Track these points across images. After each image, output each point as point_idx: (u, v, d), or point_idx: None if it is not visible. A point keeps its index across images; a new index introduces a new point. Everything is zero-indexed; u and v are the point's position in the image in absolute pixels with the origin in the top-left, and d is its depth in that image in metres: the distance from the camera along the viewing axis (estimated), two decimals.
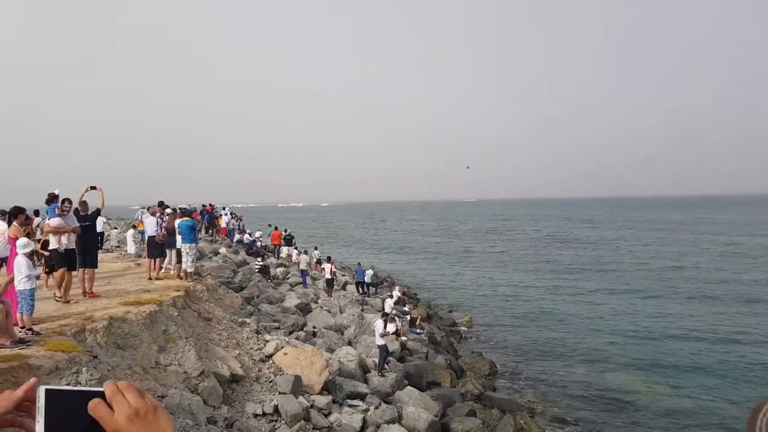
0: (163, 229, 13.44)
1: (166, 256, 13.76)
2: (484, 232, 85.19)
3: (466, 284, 35.00)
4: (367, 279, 26.92)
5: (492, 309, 27.09)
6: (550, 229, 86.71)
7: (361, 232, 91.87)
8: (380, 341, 14.17)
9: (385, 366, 13.91)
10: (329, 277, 23.25)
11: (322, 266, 25.85)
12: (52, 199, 9.99)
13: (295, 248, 31.68)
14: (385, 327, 14.41)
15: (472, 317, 24.52)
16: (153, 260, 13.28)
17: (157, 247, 13.35)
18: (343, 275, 29.39)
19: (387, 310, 20.65)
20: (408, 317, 20.50)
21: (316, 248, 32.32)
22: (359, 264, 28.41)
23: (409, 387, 12.99)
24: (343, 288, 25.89)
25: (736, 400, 14.74)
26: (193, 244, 13.29)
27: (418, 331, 19.67)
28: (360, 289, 25.37)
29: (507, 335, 22.06)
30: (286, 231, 33.14)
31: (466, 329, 23.01)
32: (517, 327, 23.35)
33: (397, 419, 11.02)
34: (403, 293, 25.23)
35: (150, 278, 12.83)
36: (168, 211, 15.07)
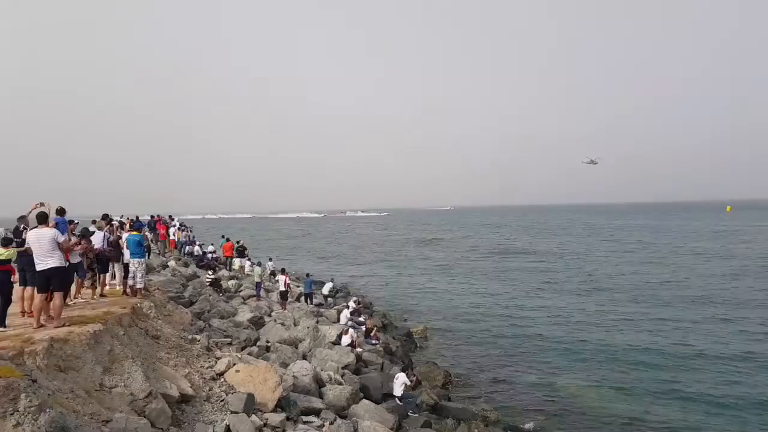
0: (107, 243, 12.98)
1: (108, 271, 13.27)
2: (445, 240, 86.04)
3: (421, 293, 35.23)
4: (325, 291, 26.75)
5: (447, 317, 27.33)
6: (508, 237, 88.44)
7: (316, 243, 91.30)
8: (397, 392, 13.93)
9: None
10: (283, 289, 22.93)
11: (276, 278, 25.47)
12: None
13: (248, 260, 31.17)
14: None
15: (426, 326, 24.63)
16: (99, 276, 12.77)
17: (103, 263, 12.86)
18: (298, 287, 29.03)
19: (343, 321, 20.54)
20: (363, 328, 20.42)
21: (270, 260, 31.89)
22: (307, 275, 28.13)
23: (364, 400, 12.90)
24: (298, 300, 25.56)
25: (688, 402, 15.28)
26: (142, 260, 12.86)
27: (373, 341, 19.59)
28: (307, 300, 25.12)
29: (461, 344, 22.29)
30: (238, 242, 32.59)
31: (421, 338, 23.10)
32: (472, 335, 23.61)
33: None
34: (359, 303, 25.15)
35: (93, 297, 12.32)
36: (114, 223, 14.58)
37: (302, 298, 25.64)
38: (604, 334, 23.23)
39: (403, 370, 14.78)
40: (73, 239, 11.09)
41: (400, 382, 13.98)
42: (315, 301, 26.21)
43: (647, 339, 22.08)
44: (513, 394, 16.39)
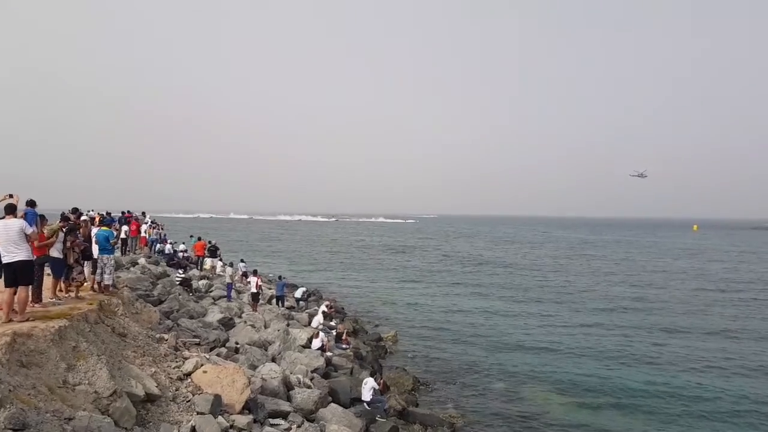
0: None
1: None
2: (415, 247, 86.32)
3: (392, 299, 35.26)
4: (297, 295, 26.65)
5: (417, 324, 27.45)
6: (482, 247, 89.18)
7: (292, 245, 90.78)
8: (366, 397, 13.90)
9: None
10: (255, 290, 22.75)
11: (248, 279, 25.25)
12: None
13: (220, 260, 30.85)
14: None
15: (397, 332, 24.68)
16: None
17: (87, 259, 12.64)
18: (270, 288, 28.84)
19: (314, 324, 20.47)
20: (334, 332, 20.38)
21: (242, 261, 31.61)
22: (280, 277, 27.94)
23: (333, 404, 12.86)
24: (270, 302, 25.39)
25: (650, 410, 15.65)
26: (111, 255, 12.66)
27: (343, 346, 19.58)
28: (279, 303, 25.00)
29: (430, 350, 22.40)
30: (210, 242, 32.25)
31: (391, 344, 23.13)
32: (441, 342, 23.77)
33: None
34: (331, 307, 25.10)
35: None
36: (84, 218, 14.32)
37: (274, 301, 25.50)
38: (573, 342, 23.72)
39: (371, 375, 14.78)
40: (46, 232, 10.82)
41: (368, 387, 13.99)
42: (286, 304, 26.09)
43: (615, 348, 22.60)
44: (480, 400, 16.54)
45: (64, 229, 11.45)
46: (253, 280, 22.99)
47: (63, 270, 11.51)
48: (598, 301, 34.48)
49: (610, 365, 20.26)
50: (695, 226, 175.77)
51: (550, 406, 15.97)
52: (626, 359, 21.03)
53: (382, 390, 14.74)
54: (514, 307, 33.07)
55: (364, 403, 13.90)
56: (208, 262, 29.48)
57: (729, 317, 29.58)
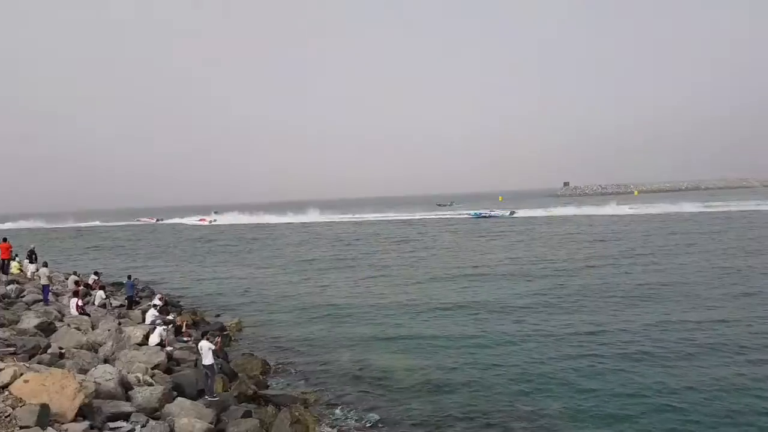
0: None
1: None
2: (254, 234, 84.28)
3: (232, 288, 34.21)
4: (128, 292, 24.66)
5: (260, 310, 27.03)
6: (327, 229, 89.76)
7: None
8: (208, 360, 13.33)
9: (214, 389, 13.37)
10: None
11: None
12: None
13: (31, 262, 27.40)
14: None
15: (241, 319, 24.09)
16: None
17: None
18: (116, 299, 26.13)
19: (149, 320, 19.19)
20: (172, 326, 19.27)
21: (45, 264, 28.31)
22: (129, 277, 25.53)
23: (179, 398, 12.25)
24: (121, 306, 23.41)
25: (499, 371, 16.33)
26: None
27: (184, 339, 18.63)
28: (131, 305, 23.17)
29: (277, 333, 22.30)
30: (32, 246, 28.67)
31: (235, 332, 22.53)
32: (287, 324, 23.73)
33: None
34: (165, 301, 23.67)
35: None
36: None
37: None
38: (408, 302, 25.80)
39: (203, 338, 14.19)
40: None
41: (206, 349, 13.51)
42: (115, 303, 24.06)
43: (450, 305, 24.83)
44: (330, 373, 16.93)
45: None
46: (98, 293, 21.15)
47: None
48: (425, 265, 36.99)
49: (452, 323, 22.01)
50: (500, 197, 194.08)
51: (395, 369, 16.84)
52: (467, 315, 23.03)
53: (219, 349, 14.40)
54: (354, 279, 34.44)
55: (206, 369, 13.48)
56: (14, 265, 25.96)
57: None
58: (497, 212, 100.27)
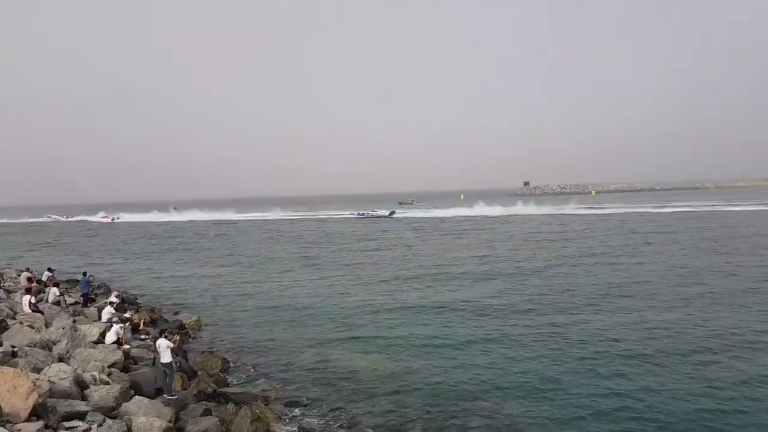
0: None
1: None
2: (216, 231, 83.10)
3: (190, 285, 33.73)
4: (84, 289, 24.10)
5: (219, 307, 26.76)
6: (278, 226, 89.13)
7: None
8: (166, 359, 13.18)
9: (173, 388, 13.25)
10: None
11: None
12: None
13: None
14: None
15: (200, 317, 23.79)
16: None
17: None
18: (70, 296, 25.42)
19: (105, 318, 18.84)
20: (129, 324, 18.94)
21: (49, 269, 27.47)
22: (84, 273, 24.85)
23: (137, 396, 12.10)
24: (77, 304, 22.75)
25: (462, 371, 16.45)
26: None
27: (142, 336, 18.35)
28: (86, 303, 22.63)
29: (237, 330, 22.13)
30: None
31: (194, 330, 22.25)
32: (247, 322, 23.57)
33: None
34: (122, 299, 23.23)
35: None
36: None
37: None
38: (373, 303, 25.81)
39: (161, 335, 14.03)
40: None
41: (164, 347, 13.37)
42: (69, 300, 23.49)
43: (414, 302, 25.16)
44: (291, 370, 16.96)
45: None
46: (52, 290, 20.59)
47: None
48: (399, 267, 37.29)
49: (415, 322, 22.23)
50: (462, 196, 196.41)
51: (358, 367, 16.93)
52: (431, 315, 23.27)
53: (177, 347, 14.27)
54: (311, 278, 34.39)
55: (164, 368, 13.38)
56: None
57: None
58: (378, 212, 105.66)
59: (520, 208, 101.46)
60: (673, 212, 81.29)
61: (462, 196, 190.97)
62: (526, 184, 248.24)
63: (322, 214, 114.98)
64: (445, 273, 34.05)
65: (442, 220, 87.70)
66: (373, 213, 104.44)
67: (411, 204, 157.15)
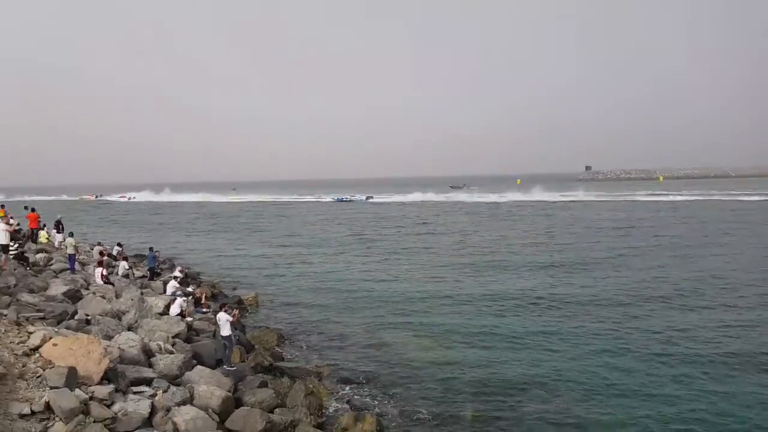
0: None
1: None
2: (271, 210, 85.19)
3: (249, 262, 34.89)
4: (150, 264, 25.37)
5: (277, 284, 27.58)
6: (343, 209, 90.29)
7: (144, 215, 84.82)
8: (226, 332, 13.80)
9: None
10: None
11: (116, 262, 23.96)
12: None
13: (58, 232, 28.26)
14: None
15: (257, 294, 24.60)
16: None
17: None
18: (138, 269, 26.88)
19: (169, 291, 19.75)
20: (192, 297, 19.83)
21: (71, 235, 29.18)
22: (151, 249, 26.25)
23: (198, 366, 12.72)
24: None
25: (513, 360, 16.21)
26: None
27: (203, 310, 19.21)
28: (153, 276, 23.92)
29: (292, 307, 22.80)
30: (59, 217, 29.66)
31: (252, 305, 23.05)
32: (302, 299, 24.24)
33: (189, 400, 10.74)
34: (185, 273, 24.28)
35: None
36: None
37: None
38: (428, 288, 25.65)
39: (221, 309, 14.59)
40: None
41: (224, 321, 13.94)
42: (137, 273, 24.76)
43: (470, 291, 24.82)
44: (344, 349, 17.34)
45: None
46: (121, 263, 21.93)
47: None
48: (454, 253, 37.18)
49: (468, 308, 22.05)
50: (519, 180, 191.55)
51: (409, 348, 17.16)
52: (486, 304, 22.80)
53: (236, 321, 14.84)
54: (369, 259, 34.75)
55: (224, 340, 13.95)
56: (43, 234, 26.81)
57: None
58: (357, 197, 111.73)
59: (581, 194, 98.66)
60: (752, 201, 76.35)
61: (518, 181, 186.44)
62: (588, 168, 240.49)
63: (309, 198, 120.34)
64: (501, 261, 33.20)
65: (497, 205, 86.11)
66: (352, 198, 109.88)
67: (461, 188, 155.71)
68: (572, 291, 24.49)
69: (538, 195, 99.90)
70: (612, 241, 40.37)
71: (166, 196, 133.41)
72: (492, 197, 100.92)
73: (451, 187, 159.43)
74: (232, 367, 13.71)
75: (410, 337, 18.52)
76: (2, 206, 29.41)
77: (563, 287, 25.33)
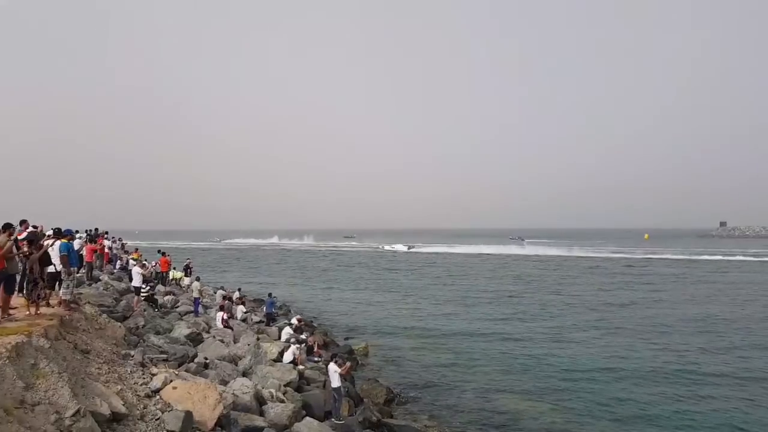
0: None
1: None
2: (378, 261, 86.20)
3: (362, 312, 34.98)
4: (267, 309, 26.28)
5: (389, 336, 27.22)
6: (446, 259, 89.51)
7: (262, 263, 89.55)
8: (336, 383, 13.78)
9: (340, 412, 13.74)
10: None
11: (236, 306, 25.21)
12: None
13: (187, 276, 30.24)
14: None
15: (368, 344, 24.38)
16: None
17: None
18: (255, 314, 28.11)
19: (284, 338, 20.04)
20: (305, 345, 19.98)
21: (198, 279, 31.00)
22: (269, 295, 27.45)
23: (307, 418, 12.52)
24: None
25: (626, 419, 15.31)
26: (73, 269, 12.09)
27: (315, 358, 19.21)
28: (270, 322, 24.83)
29: (403, 361, 22.19)
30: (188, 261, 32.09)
31: (362, 356, 22.82)
32: (413, 353, 23.56)
33: None
34: (300, 321, 24.68)
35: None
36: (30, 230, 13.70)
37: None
38: (546, 351, 23.74)
39: (332, 360, 14.43)
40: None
41: (332, 372, 13.78)
42: (255, 319, 25.61)
43: (588, 355, 22.74)
44: (455, 410, 16.39)
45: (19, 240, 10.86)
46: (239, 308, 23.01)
47: (15, 285, 10.83)
48: (572, 309, 34.88)
49: (585, 374, 20.18)
50: (646, 236, 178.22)
51: (526, 414, 15.86)
52: (603, 367, 20.86)
53: (346, 373, 14.52)
54: (483, 316, 33.17)
55: (334, 392, 13.73)
56: (186, 281, 28.92)
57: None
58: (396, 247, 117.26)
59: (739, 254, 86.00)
60: None
61: (646, 236, 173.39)
62: (723, 224, 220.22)
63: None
64: (643, 326, 29.45)
65: (629, 263, 77.41)
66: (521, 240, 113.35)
67: (519, 240, 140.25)
68: (718, 368, 21.39)
69: (670, 253, 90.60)
70: None
71: (295, 242, 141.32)
72: (637, 253, 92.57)
73: (516, 238, 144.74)
74: (340, 420, 13.40)
75: (525, 400, 17.14)
76: (136, 249, 32.07)
77: (711, 363, 21.82)
